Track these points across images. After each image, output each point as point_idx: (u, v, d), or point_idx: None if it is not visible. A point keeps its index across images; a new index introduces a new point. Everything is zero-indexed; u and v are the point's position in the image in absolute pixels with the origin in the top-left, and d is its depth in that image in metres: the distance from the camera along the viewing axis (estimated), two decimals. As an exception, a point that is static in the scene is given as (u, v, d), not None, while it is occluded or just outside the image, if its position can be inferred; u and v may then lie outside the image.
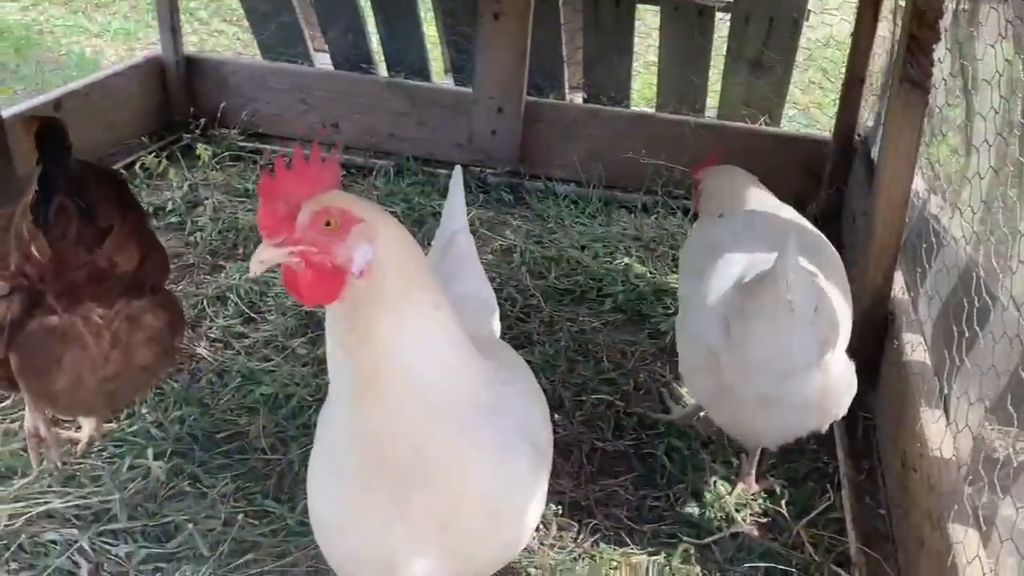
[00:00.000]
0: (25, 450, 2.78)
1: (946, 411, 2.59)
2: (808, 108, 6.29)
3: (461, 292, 2.31)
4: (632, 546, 2.68)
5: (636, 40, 5.11)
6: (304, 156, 1.60)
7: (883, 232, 3.08)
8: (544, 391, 2.16)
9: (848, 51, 4.37)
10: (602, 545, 2.68)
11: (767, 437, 2.68)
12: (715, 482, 2.93)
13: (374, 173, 4.82)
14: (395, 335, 1.62)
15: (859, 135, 4.37)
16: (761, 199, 3.14)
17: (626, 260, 4.17)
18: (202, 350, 3.38)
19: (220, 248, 4.08)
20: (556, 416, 3.11)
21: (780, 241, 2.41)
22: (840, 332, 2.56)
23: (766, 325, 2.40)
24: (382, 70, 5.29)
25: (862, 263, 3.22)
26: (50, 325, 2.47)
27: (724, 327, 2.53)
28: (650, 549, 2.67)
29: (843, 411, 2.67)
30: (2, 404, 3.01)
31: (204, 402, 3.09)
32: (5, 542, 2.49)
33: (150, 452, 2.83)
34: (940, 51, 2.89)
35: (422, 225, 4.33)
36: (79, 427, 2.92)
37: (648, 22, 5.72)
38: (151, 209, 4.23)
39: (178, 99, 5.07)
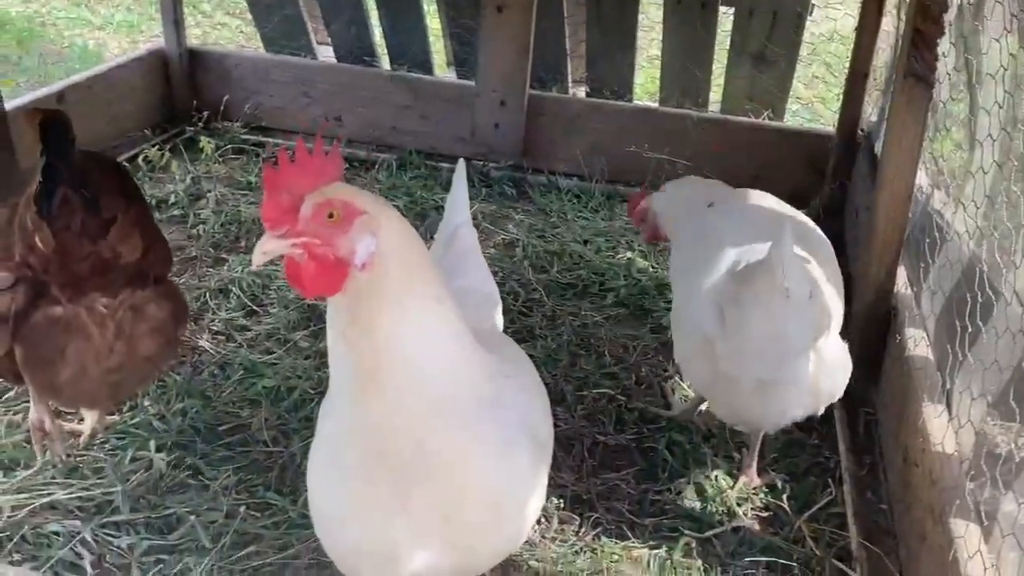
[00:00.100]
0: (29, 442, 2.79)
1: (948, 406, 2.58)
2: (811, 103, 6.28)
3: (464, 285, 2.31)
4: (633, 540, 2.68)
5: (639, 34, 5.10)
6: (307, 149, 1.60)
7: (886, 227, 3.08)
8: (546, 385, 2.16)
9: (852, 46, 4.35)
10: (603, 538, 2.68)
11: (764, 422, 2.70)
12: (716, 476, 2.93)
13: (376, 167, 4.82)
14: (397, 328, 1.62)
15: (862, 130, 4.36)
16: (734, 192, 3.17)
17: (628, 255, 4.17)
18: (204, 343, 3.38)
19: (222, 241, 4.08)
20: (558, 410, 3.12)
21: (774, 229, 2.43)
22: (833, 317, 2.59)
23: (762, 312, 2.42)
24: (385, 63, 5.28)
25: (865, 258, 3.22)
26: (54, 316, 2.47)
27: (719, 314, 2.55)
28: (651, 543, 2.67)
29: (839, 392, 2.70)
30: (5, 396, 3.01)
31: (206, 395, 3.10)
32: (8, 533, 2.50)
33: (152, 444, 2.83)
34: (944, 45, 2.88)
35: (424, 219, 4.33)
36: (82, 419, 2.92)
37: (651, 16, 5.70)
38: (154, 202, 4.23)
39: (181, 92, 5.06)
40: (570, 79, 5.19)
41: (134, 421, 2.94)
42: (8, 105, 3.68)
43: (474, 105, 4.81)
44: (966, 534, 2.15)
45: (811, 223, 3.00)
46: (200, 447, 2.87)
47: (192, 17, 6.97)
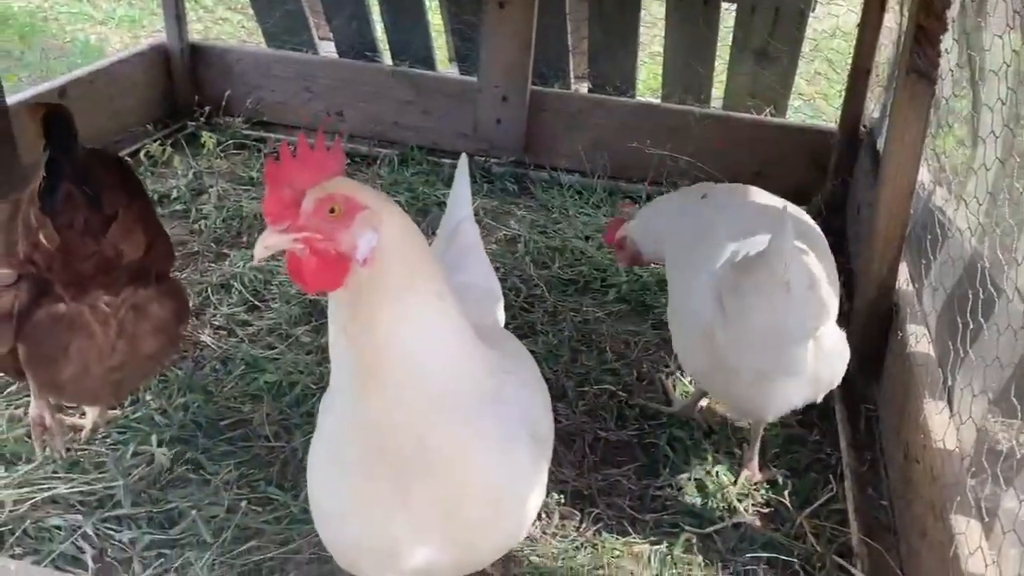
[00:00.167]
0: (30, 436, 2.79)
1: (950, 403, 2.58)
2: (814, 99, 6.27)
3: (465, 281, 2.31)
4: (634, 535, 2.69)
5: (641, 30, 5.09)
6: (309, 143, 1.59)
7: (888, 223, 3.08)
8: (547, 381, 2.17)
9: (854, 42, 4.35)
10: (604, 534, 2.68)
11: (765, 410, 2.70)
12: (717, 472, 2.93)
13: (378, 162, 4.81)
14: (398, 324, 1.62)
15: (865, 126, 4.36)
16: (715, 187, 3.21)
17: (630, 250, 4.16)
18: (206, 338, 3.39)
19: (224, 236, 4.08)
20: (559, 406, 3.12)
21: (772, 219, 2.46)
22: (832, 306, 2.61)
23: (763, 303, 2.44)
24: (387, 58, 5.28)
25: (867, 254, 3.21)
26: (58, 313, 2.47)
27: (718, 304, 2.56)
28: (652, 538, 2.68)
29: (838, 380, 2.72)
30: (7, 390, 3.02)
31: (208, 389, 3.10)
32: (10, 527, 2.50)
33: (154, 439, 2.84)
34: (947, 42, 2.88)
35: (426, 214, 4.33)
36: (83, 414, 2.93)
37: (653, 12, 5.70)
38: (155, 197, 4.23)
39: (183, 87, 5.06)
40: (572, 75, 5.18)
41: (136, 416, 2.95)
42: (10, 100, 3.68)
43: (476, 101, 4.80)
44: (967, 530, 2.15)
45: (805, 215, 3.01)
46: (202, 442, 2.87)
47: (194, 12, 6.96)
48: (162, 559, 2.47)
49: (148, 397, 3.03)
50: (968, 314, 2.45)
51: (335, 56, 5.29)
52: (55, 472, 2.71)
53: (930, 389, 2.65)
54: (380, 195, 1.65)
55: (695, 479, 2.91)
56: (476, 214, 2.99)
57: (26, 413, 2.83)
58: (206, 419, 2.96)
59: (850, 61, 4.40)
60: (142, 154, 4.59)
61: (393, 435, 1.68)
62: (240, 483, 2.74)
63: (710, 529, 2.72)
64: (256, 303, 3.62)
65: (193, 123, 4.98)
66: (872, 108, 4.37)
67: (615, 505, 2.80)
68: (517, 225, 4.35)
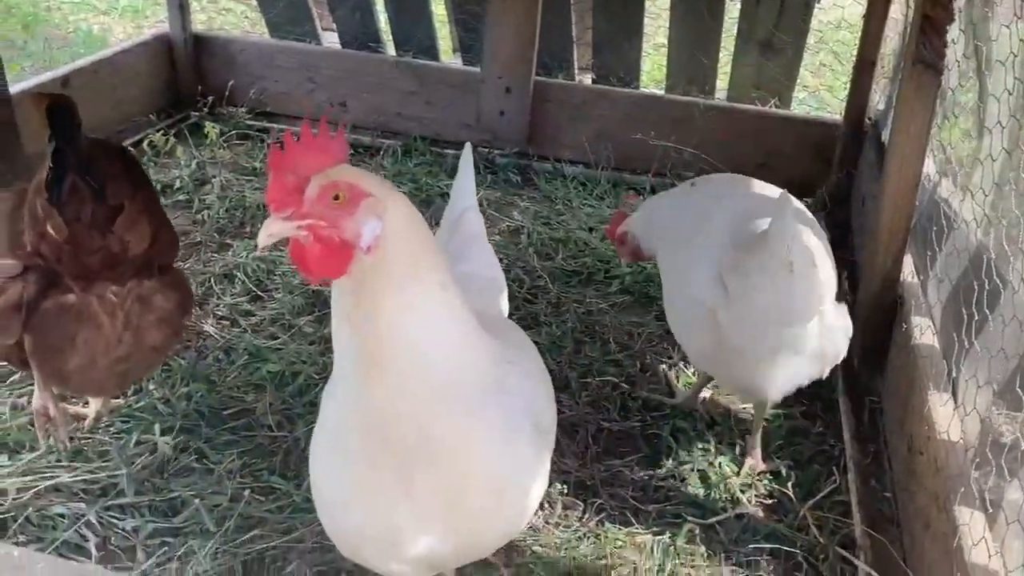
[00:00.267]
0: (34, 425, 2.79)
1: (954, 394, 2.58)
2: (819, 91, 6.24)
3: (469, 271, 2.31)
4: (637, 526, 2.69)
5: (646, 21, 5.07)
6: (313, 130, 1.59)
7: (893, 215, 3.07)
8: (550, 372, 2.16)
9: (860, 33, 4.33)
10: (607, 524, 2.69)
11: (770, 389, 2.69)
12: (720, 463, 2.93)
13: (381, 153, 4.81)
14: (401, 313, 1.61)
15: (870, 118, 4.34)
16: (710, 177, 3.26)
17: (634, 242, 4.15)
18: (209, 327, 3.39)
19: (227, 226, 4.08)
20: (562, 397, 3.12)
21: (770, 202, 2.48)
22: (833, 282, 2.63)
23: (766, 283, 2.45)
24: (390, 49, 5.26)
25: (871, 247, 3.20)
26: (66, 303, 2.47)
27: (720, 284, 2.57)
28: (655, 529, 2.68)
29: (843, 354, 2.73)
30: (11, 379, 3.02)
31: (211, 379, 3.10)
32: (13, 515, 2.51)
33: (157, 428, 2.84)
34: (953, 32, 2.87)
35: (430, 205, 4.32)
36: (86, 403, 2.93)
37: (658, 3, 5.68)
38: (159, 187, 4.23)
39: (186, 77, 5.05)
40: (576, 66, 5.16)
41: (139, 405, 2.95)
42: (13, 89, 3.67)
43: (479, 91, 4.79)
44: (970, 522, 2.15)
45: (796, 200, 3.01)
46: (205, 431, 2.88)
47: (197, 2, 6.95)
48: (165, 547, 2.48)
49: (151, 386, 3.03)
50: (973, 305, 2.44)
51: (338, 47, 5.28)
52: (58, 460, 2.71)
53: (934, 381, 2.64)
54: (385, 183, 1.64)
55: (698, 470, 2.91)
56: (479, 205, 2.98)
57: (29, 402, 2.83)
58: (209, 408, 2.97)
59: (855, 53, 4.38)
60: (145, 144, 4.58)
61: (396, 424, 1.68)
62: (243, 472, 2.74)
63: (713, 520, 2.72)
64: (259, 293, 3.62)
65: (196, 113, 4.97)
66: (877, 100, 4.35)
67: (618, 495, 2.80)
68: (520, 216, 4.35)
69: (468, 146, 2.59)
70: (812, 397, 3.25)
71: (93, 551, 2.46)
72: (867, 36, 4.24)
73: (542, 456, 1.95)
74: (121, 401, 2.97)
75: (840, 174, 4.38)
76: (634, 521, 2.70)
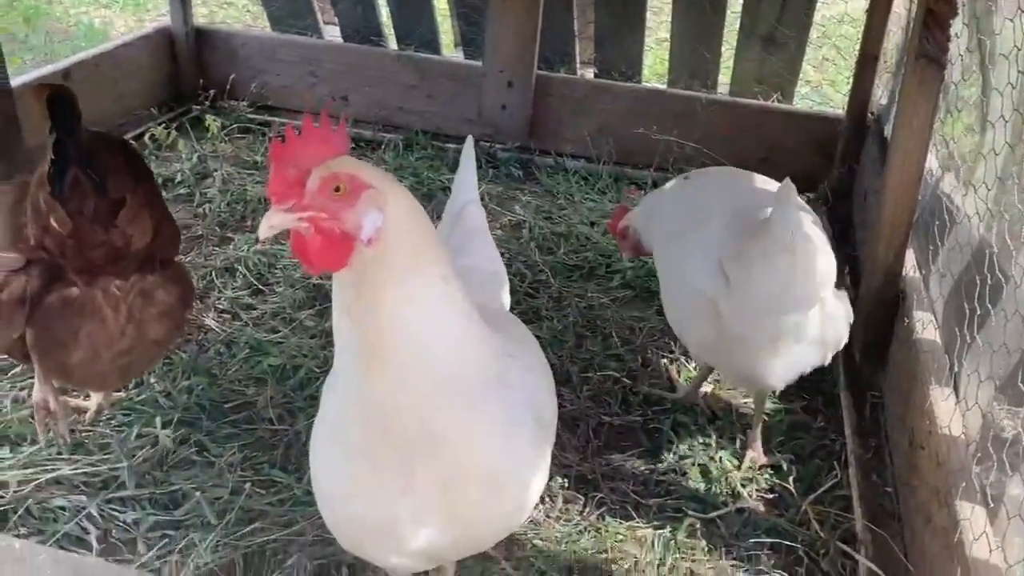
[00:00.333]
0: (35, 418, 2.79)
1: (956, 389, 2.58)
2: (821, 85, 6.23)
3: (470, 264, 2.30)
4: (638, 520, 2.69)
5: (648, 15, 5.06)
6: (314, 123, 1.58)
7: (895, 210, 3.06)
8: (552, 366, 2.16)
9: (863, 27, 4.32)
10: (608, 518, 2.69)
11: (773, 377, 2.70)
12: (721, 457, 2.93)
13: (383, 147, 4.80)
14: (402, 306, 1.61)
15: (872, 113, 4.33)
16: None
17: (635, 236, 4.15)
18: (210, 321, 3.39)
19: (229, 220, 4.07)
20: (563, 391, 3.12)
21: (768, 190, 2.51)
22: (834, 269, 2.63)
23: (770, 271, 2.46)
24: (392, 43, 5.25)
25: (873, 241, 3.20)
26: (70, 297, 2.47)
27: (720, 274, 2.58)
28: (656, 523, 2.68)
29: (844, 340, 2.73)
30: (12, 371, 3.02)
31: (212, 372, 3.10)
32: (14, 507, 2.51)
33: (158, 421, 2.84)
34: (957, 26, 2.86)
35: (431, 200, 4.32)
36: (88, 396, 2.93)
37: (661, -3, 5.67)
38: (160, 181, 4.22)
39: (187, 70, 5.04)
40: (578, 60, 5.15)
41: (140, 398, 2.95)
42: (14, 82, 3.67)
43: (481, 86, 4.78)
44: (972, 516, 2.15)
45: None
46: (206, 424, 2.88)
47: (199, -4, 6.93)
48: (166, 540, 2.48)
49: (152, 380, 3.03)
50: (975, 300, 2.44)
51: (340, 40, 5.27)
52: (59, 453, 2.72)
53: (936, 376, 2.64)
54: (385, 175, 1.63)
55: (699, 464, 2.91)
56: (481, 199, 2.98)
57: (30, 395, 2.83)
58: (210, 402, 2.97)
59: (858, 47, 4.37)
60: (147, 137, 4.59)
61: (397, 417, 1.67)
62: (244, 465, 2.74)
63: (714, 514, 2.72)
64: (260, 287, 3.62)
65: (198, 107, 4.97)
66: (880, 95, 4.34)
67: (619, 490, 2.80)
68: (522, 211, 4.34)
69: (470, 139, 2.59)
70: (813, 392, 3.25)
71: (94, 543, 2.46)
72: (870, 30, 4.22)
73: (543, 450, 1.94)
74: (122, 394, 2.97)
75: (842, 169, 4.38)
76: (635, 515, 2.70)
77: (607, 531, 2.64)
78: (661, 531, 2.64)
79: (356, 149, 4.76)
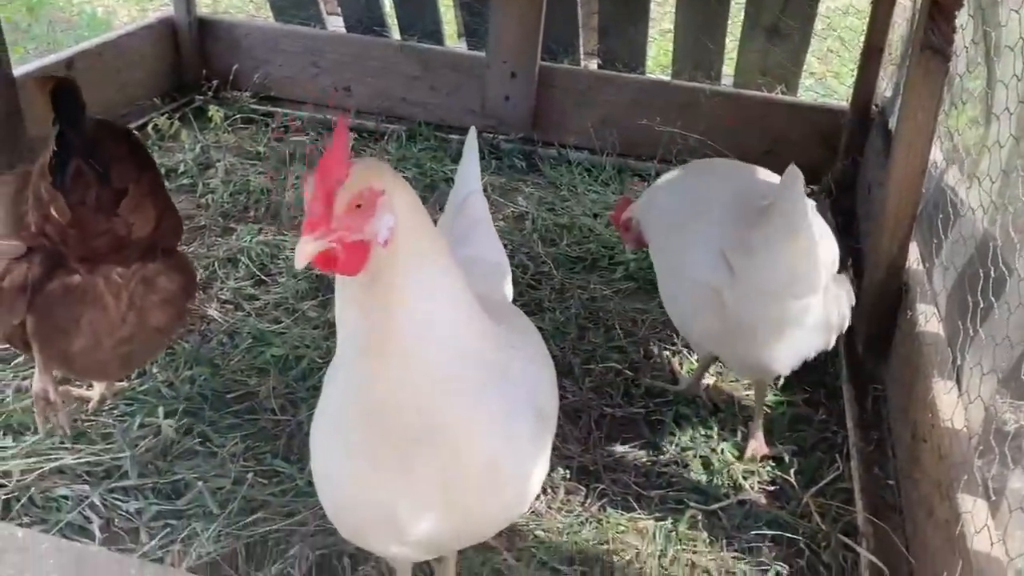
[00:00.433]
0: (35, 407, 2.80)
1: (958, 382, 2.57)
2: (825, 77, 6.21)
3: (473, 255, 2.30)
4: (639, 511, 2.69)
5: (652, 6, 5.05)
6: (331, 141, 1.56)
7: (899, 202, 3.05)
8: (554, 357, 2.16)
9: (867, 19, 4.30)
10: (609, 510, 2.69)
11: (779, 363, 2.70)
12: (723, 449, 2.93)
13: (386, 137, 4.79)
14: (413, 300, 1.61)
15: (876, 105, 4.32)
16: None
17: (638, 228, 4.14)
18: (213, 311, 3.39)
19: (231, 210, 4.07)
20: (565, 382, 3.12)
21: (767, 181, 2.55)
22: (836, 253, 2.67)
23: (774, 257, 2.47)
24: (395, 33, 5.24)
25: (877, 234, 3.19)
26: (72, 284, 2.47)
27: (722, 264, 2.58)
28: (657, 514, 2.68)
29: (847, 323, 2.75)
30: (15, 361, 3.03)
31: (215, 362, 3.11)
32: (17, 495, 2.52)
33: (161, 411, 2.85)
34: (962, 17, 2.84)
35: (434, 191, 4.32)
36: (90, 386, 2.93)
37: (665, -12, 5.65)
38: (163, 171, 4.22)
39: (190, 61, 5.04)
40: (582, 51, 5.14)
41: (143, 388, 2.96)
42: (17, 71, 3.67)
43: (484, 76, 4.77)
44: (973, 509, 2.15)
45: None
46: (208, 414, 2.88)
47: (202, -14, 6.91)
48: (168, 529, 2.48)
49: (155, 370, 3.04)
50: (979, 293, 2.43)
51: (343, 31, 5.26)
52: (62, 443, 2.72)
53: (939, 369, 2.64)
54: (388, 170, 1.62)
55: (701, 456, 2.91)
56: (484, 191, 2.98)
57: (32, 384, 2.83)
58: (213, 392, 2.97)
59: (863, 39, 4.36)
60: (150, 127, 4.59)
61: (399, 407, 1.67)
62: (246, 455, 2.75)
63: (715, 506, 2.72)
64: (263, 277, 3.62)
65: (201, 97, 4.97)
66: (884, 87, 4.33)
67: (620, 481, 2.80)
68: (525, 202, 4.34)
69: (473, 130, 2.58)
70: (815, 384, 3.25)
71: (97, 533, 2.47)
72: (875, 22, 4.21)
73: (544, 441, 1.95)
74: (125, 384, 2.97)
75: (846, 161, 4.36)
76: (636, 506, 2.71)
77: (609, 522, 2.64)
78: (662, 522, 2.64)
79: (359, 140, 4.76)
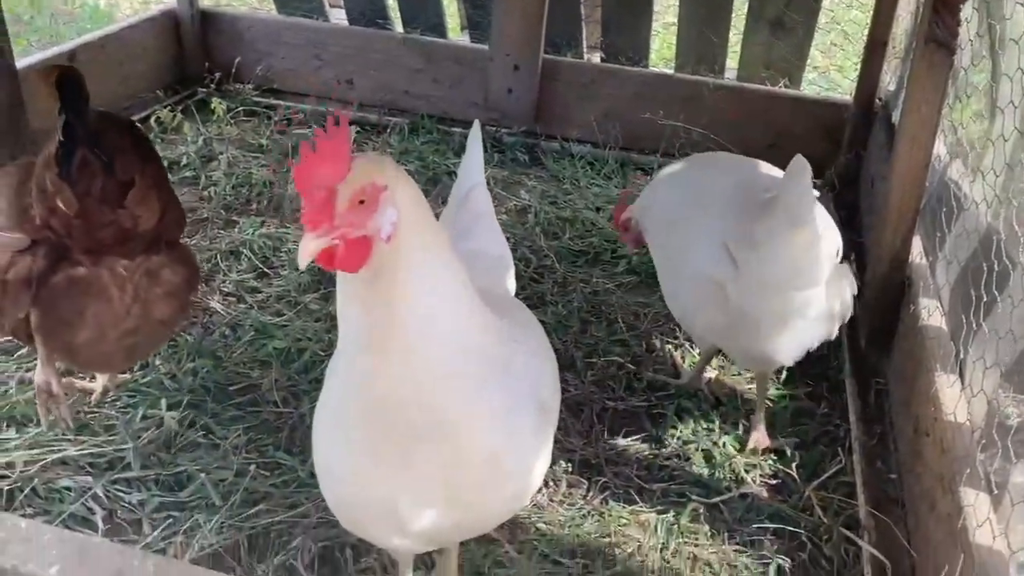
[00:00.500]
0: (37, 400, 2.80)
1: (961, 376, 2.57)
2: (829, 71, 6.20)
3: (476, 248, 2.30)
4: (641, 504, 2.69)
5: (655, -1, 5.04)
6: (325, 136, 1.55)
7: (902, 196, 3.05)
8: (556, 351, 2.16)
9: (871, 12, 4.29)
10: (611, 503, 2.69)
11: (783, 354, 2.71)
12: (725, 443, 2.93)
13: (388, 130, 4.79)
14: (415, 295, 1.60)
15: (880, 99, 4.31)
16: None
17: (641, 222, 4.13)
18: (216, 304, 3.39)
19: (234, 203, 4.07)
20: (567, 376, 3.11)
21: (768, 174, 2.58)
22: (839, 243, 2.67)
23: (779, 249, 2.47)
24: (398, 26, 5.24)
25: (880, 227, 3.19)
26: (77, 276, 2.47)
27: (725, 257, 2.58)
28: (659, 507, 2.68)
29: (849, 312, 2.75)
30: (18, 353, 3.03)
31: (217, 355, 3.11)
32: (20, 486, 2.52)
33: (163, 403, 2.85)
34: (967, 10, 2.83)
35: (436, 184, 4.31)
36: (93, 377, 2.94)
37: (668, -19, 5.63)
38: (166, 163, 4.21)
39: (193, 53, 5.03)
40: (585, 44, 5.13)
41: (145, 380, 2.96)
42: (20, 64, 3.67)
43: (487, 69, 4.76)
44: (975, 503, 2.15)
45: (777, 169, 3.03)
46: (211, 406, 2.89)
47: (204, -22, 6.90)
48: (171, 521, 2.49)
49: (158, 362, 3.04)
50: (982, 287, 2.43)
51: (345, 23, 5.25)
52: (65, 434, 2.72)
53: (942, 362, 2.64)
54: (390, 164, 1.62)
55: (702, 450, 2.91)
56: (487, 184, 2.98)
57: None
58: (215, 384, 2.98)
59: (866, 33, 4.34)
60: (152, 120, 4.58)
61: (400, 401, 1.67)
62: (248, 448, 2.75)
63: (717, 499, 2.72)
64: (265, 270, 3.63)
65: (203, 90, 4.96)
66: (888, 81, 4.32)
67: (622, 474, 2.80)
68: (527, 195, 4.33)
69: (477, 123, 2.58)
70: (818, 378, 3.25)
71: (99, 524, 2.47)
72: (879, 15, 4.20)
73: (546, 435, 1.95)
74: (128, 376, 2.98)
75: (849, 155, 4.36)
76: (638, 500, 2.71)
77: (610, 515, 2.65)
78: (664, 516, 2.65)
79: (361, 133, 4.76)
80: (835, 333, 2.75)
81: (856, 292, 2.77)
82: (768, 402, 3.05)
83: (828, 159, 4.43)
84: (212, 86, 4.96)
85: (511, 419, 1.79)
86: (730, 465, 2.84)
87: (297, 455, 2.72)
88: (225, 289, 3.50)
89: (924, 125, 2.94)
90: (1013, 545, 2.01)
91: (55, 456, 2.64)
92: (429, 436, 1.69)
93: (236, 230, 3.85)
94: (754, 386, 3.13)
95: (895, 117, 3.74)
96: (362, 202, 1.54)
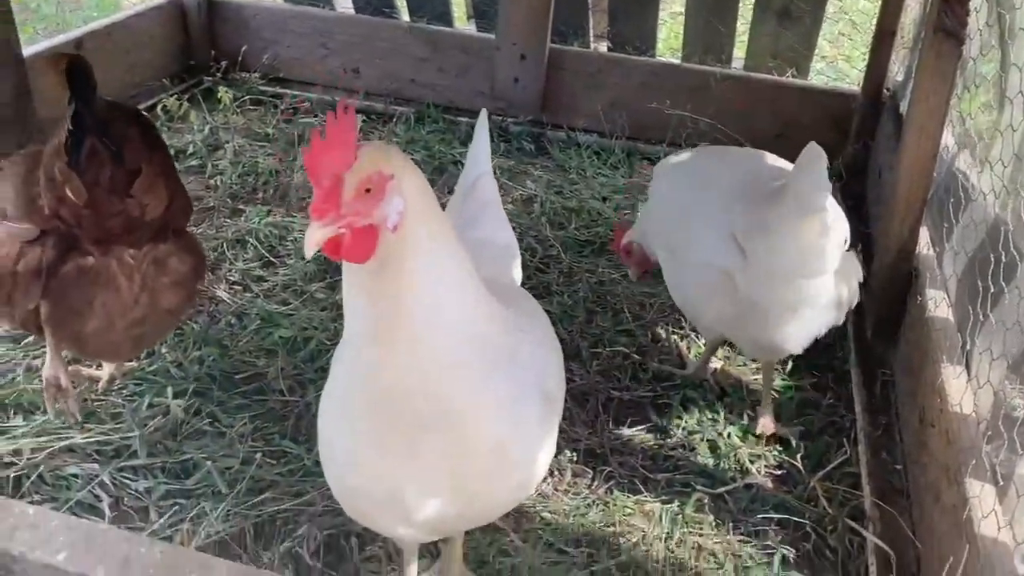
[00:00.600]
0: (45, 393, 2.81)
1: (967, 367, 2.56)
2: (836, 61, 6.17)
3: (482, 237, 2.30)
4: (646, 494, 2.70)
5: (663, -12, 5.02)
6: (334, 124, 1.54)
7: (910, 187, 3.04)
8: (562, 341, 2.16)
9: (880, 2, 4.27)
10: (616, 492, 2.69)
11: (792, 342, 2.71)
12: (730, 433, 2.93)
13: (394, 120, 4.78)
14: (422, 285, 1.61)
15: (888, 89, 4.29)
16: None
17: (647, 212, 4.13)
18: (222, 292, 3.40)
19: (240, 192, 4.08)
20: (573, 365, 3.12)
21: (774, 165, 2.57)
22: (847, 230, 2.65)
23: (788, 237, 2.48)
24: (404, 15, 5.22)
25: (887, 218, 3.18)
26: (86, 266, 2.48)
27: (733, 247, 2.59)
28: (664, 497, 2.68)
29: (856, 299, 2.75)
30: (25, 341, 3.04)
31: (223, 343, 3.12)
32: (27, 473, 2.54)
33: (170, 391, 2.86)
34: (976, 0, 2.82)
35: (443, 173, 4.31)
36: (100, 365, 2.95)
37: (676, -30, 5.61)
38: (172, 152, 4.22)
39: (199, 42, 5.03)
40: (591, 33, 5.11)
41: (152, 368, 2.97)
42: (26, 52, 3.67)
43: (494, 58, 4.75)
44: (981, 494, 2.15)
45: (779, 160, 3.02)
46: (217, 395, 2.90)
47: (210, -34, 6.88)
48: (177, 508, 2.50)
49: (164, 350, 3.05)
50: (989, 278, 2.42)
51: (352, 12, 5.24)
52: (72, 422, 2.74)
53: (948, 353, 2.63)
54: (397, 153, 1.61)
55: (707, 440, 2.91)
56: (493, 173, 2.98)
57: (43, 365, 2.85)
58: (221, 373, 2.98)
59: (875, 22, 4.32)
60: (159, 108, 4.58)
61: (406, 390, 1.68)
62: (255, 436, 2.76)
63: (722, 489, 2.73)
64: (271, 259, 3.63)
65: (209, 78, 4.97)
66: (896, 71, 4.30)
67: (627, 464, 2.80)
68: (534, 185, 4.33)
69: (484, 112, 2.57)
70: (824, 369, 3.24)
71: (106, 511, 2.49)
72: (887, 5, 4.18)
73: (551, 424, 1.95)
74: (134, 364, 2.99)
75: (857, 145, 4.34)
76: (643, 489, 2.71)
77: (615, 505, 2.65)
78: (669, 505, 2.65)
79: (367, 122, 4.75)
80: (842, 319, 2.75)
81: (862, 278, 2.77)
82: (774, 393, 3.05)
83: (836, 149, 4.40)
84: (218, 75, 4.96)
85: (517, 409, 1.79)
86: (735, 455, 2.85)
87: (303, 443, 2.73)
88: (231, 278, 3.50)
89: (932, 115, 2.92)
90: (1018, 536, 2.01)
91: (62, 444, 2.65)
92: (435, 426, 1.69)
93: (242, 219, 3.86)
94: (759, 377, 3.14)
95: (903, 107, 3.72)
96: (368, 191, 1.54)
